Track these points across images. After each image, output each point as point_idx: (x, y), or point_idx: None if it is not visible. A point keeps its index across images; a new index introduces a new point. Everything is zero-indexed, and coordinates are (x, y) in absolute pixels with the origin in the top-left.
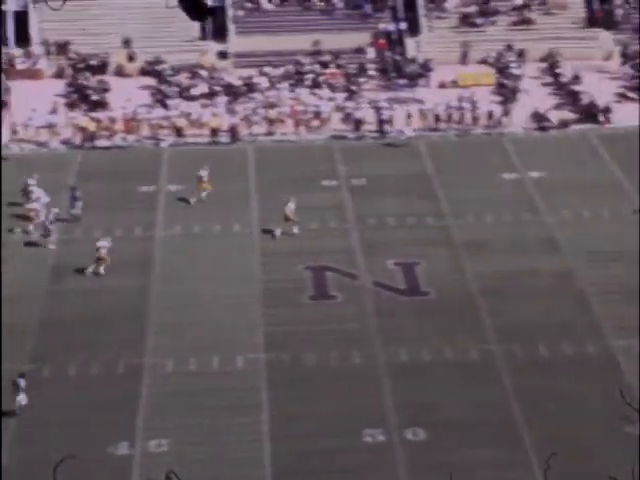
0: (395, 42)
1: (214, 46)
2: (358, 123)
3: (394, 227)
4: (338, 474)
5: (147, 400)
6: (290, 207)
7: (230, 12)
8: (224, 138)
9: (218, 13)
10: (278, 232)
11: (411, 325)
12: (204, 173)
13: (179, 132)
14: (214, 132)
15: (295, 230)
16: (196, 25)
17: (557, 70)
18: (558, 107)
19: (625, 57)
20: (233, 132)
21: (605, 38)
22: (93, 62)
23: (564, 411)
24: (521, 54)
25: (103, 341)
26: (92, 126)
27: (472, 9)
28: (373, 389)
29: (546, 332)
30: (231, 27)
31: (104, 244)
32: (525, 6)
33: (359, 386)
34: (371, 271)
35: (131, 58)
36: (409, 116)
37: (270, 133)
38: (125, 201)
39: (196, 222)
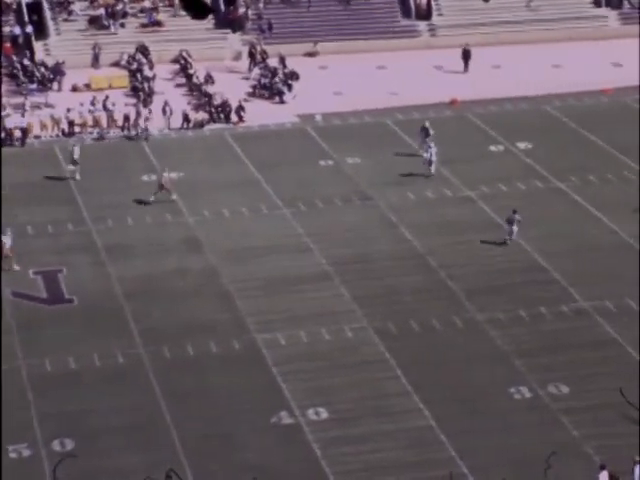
0: (22, 46)
1: None
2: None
3: (33, 235)
4: None
5: None
6: (165, 177)
7: None
8: None
9: None
10: (152, 198)
11: (55, 334)
12: None
13: None
14: None
15: (174, 197)
16: None
17: (189, 71)
18: (193, 108)
19: (252, 57)
20: None
21: (233, 39)
22: None
23: (214, 408)
24: (148, 54)
25: None
26: None
27: (100, 12)
28: (16, 403)
29: (193, 331)
30: None
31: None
32: (154, 8)
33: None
34: (10, 282)
35: None
36: (42, 122)
37: None
38: None
39: None
